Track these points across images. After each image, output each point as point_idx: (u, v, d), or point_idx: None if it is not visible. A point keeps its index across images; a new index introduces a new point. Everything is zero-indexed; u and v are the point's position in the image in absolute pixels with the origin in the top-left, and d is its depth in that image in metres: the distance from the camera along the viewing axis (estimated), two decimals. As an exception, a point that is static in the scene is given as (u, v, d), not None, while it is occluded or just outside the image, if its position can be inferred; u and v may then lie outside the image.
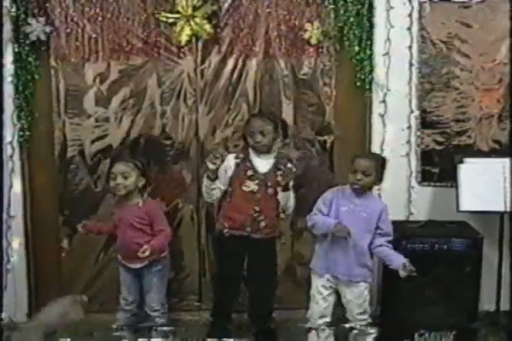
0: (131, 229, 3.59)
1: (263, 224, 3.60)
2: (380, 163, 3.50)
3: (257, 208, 3.57)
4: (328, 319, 3.58)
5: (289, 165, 3.60)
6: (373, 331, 3.55)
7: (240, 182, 3.58)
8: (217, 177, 3.56)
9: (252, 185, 3.58)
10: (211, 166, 3.50)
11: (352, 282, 3.48)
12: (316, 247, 3.58)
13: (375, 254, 3.50)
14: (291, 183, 3.60)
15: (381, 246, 3.45)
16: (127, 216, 3.60)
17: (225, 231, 3.65)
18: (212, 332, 3.80)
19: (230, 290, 3.78)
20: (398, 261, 3.38)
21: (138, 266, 3.62)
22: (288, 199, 3.62)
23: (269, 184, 3.58)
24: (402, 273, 3.34)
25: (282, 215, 3.71)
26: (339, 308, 3.61)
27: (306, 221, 3.54)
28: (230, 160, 3.62)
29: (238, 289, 3.84)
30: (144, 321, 3.73)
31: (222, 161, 3.56)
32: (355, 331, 3.56)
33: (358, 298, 3.51)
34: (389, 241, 3.47)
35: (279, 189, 3.58)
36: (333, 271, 3.49)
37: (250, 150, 3.65)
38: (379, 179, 3.50)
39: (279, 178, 3.53)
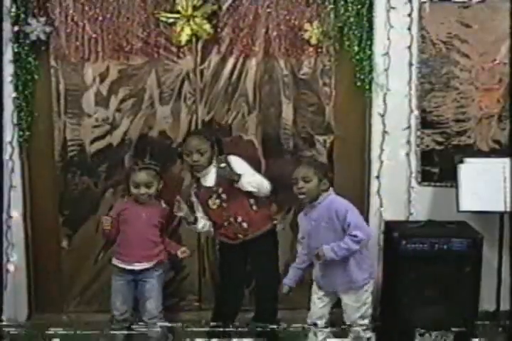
0: (150, 226, 3.67)
1: (245, 224, 3.66)
2: (317, 165, 3.54)
3: (226, 217, 3.65)
4: (325, 320, 3.58)
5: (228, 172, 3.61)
6: (369, 335, 3.54)
7: (205, 204, 3.69)
8: (196, 219, 3.66)
9: (214, 201, 3.66)
10: (181, 214, 3.61)
11: (352, 289, 3.48)
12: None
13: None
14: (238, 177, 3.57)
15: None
16: (150, 214, 3.67)
17: (224, 241, 3.76)
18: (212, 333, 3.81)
19: (234, 297, 3.81)
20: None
21: (141, 267, 3.63)
22: (253, 183, 3.59)
23: (220, 191, 3.64)
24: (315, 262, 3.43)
25: (255, 207, 3.69)
26: (339, 311, 3.63)
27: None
28: (193, 197, 3.73)
29: (242, 296, 3.88)
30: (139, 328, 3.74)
31: (188, 205, 3.66)
32: (350, 335, 3.55)
33: (357, 301, 3.50)
34: (355, 236, 3.36)
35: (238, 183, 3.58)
36: (329, 287, 3.53)
37: (196, 175, 3.70)
38: (324, 184, 3.46)
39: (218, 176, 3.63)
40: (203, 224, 3.71)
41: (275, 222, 3.82)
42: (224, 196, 3.64)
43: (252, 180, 3.60)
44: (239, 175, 3.54)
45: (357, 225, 3.36)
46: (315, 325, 3.57)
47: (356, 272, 3.47)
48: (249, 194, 3.64)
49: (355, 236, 3.33)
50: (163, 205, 3.73)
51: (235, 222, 3.65)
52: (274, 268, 3.79)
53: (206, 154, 3.62)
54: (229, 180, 3.58)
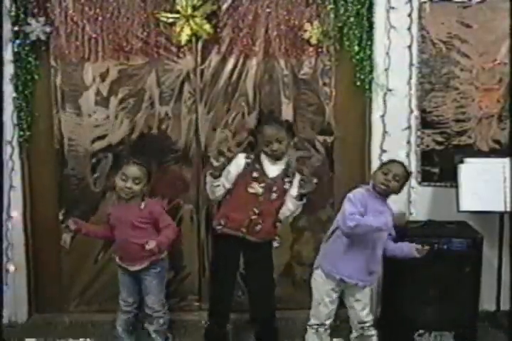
0: (134, 229, 3.55)
1: (259, 227, 3.56)
2: (406, 174, 3.48)
3: (256, 210, 3.53)
4: (332, 319, 3.56)
5: (313, 178, 3.55)
6: (374, 332, 3.55)
7: (246, 183, 3.54)
8: (220, 175, 3.51)
9: (257, 188, 3.53)
10: (215, 163, 3.47)
11: (358, 286, 3.46)
12: (326, 247, 3.52)
13: (389, 255, 3.49)
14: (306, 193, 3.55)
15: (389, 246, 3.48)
16: (129, 216, 3.55)
17: (218, 228, 3.60)
18: (209, 333, 3.79)
19: (225, 287, 3.73)
20: (410, 247, 3.41)
21: (137, 268, 3.59)
22: (297, 209, 3.61)
23: (274, 189, 3.54)
24: (421, 254, 3.38)
25: (278, 224, 3.66)
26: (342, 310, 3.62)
27: (344, 222, 3.34)
28: (240, 159, 3.58)
29: (233, 287, 3.79)
30: (144, 321, 3.72)
31: (228, 159, 3.54)
32: (355, 333, 3.55)
33: (364, 297, 3.51)
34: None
35: (291, 197, 3.56)
36: (342, 273, 3.43)
37: (262, 154, 3.60)
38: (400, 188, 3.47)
39: (298, 188, 3.52)
40: (220, 191, 3.57)
41: (276, 237, 3.73)
42: (274, 195, 3.54)
43: (299, 208, 3.62)
44: (314, 185, 3.51)
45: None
46: (323, 325, 3.54)
47: (377, 271, 3.51)
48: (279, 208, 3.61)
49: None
50: (142, 205, 3.56)
51: (254, 219, 3.53)
52: (268, 272, 3.74)
53: (284, 142, 3.54)
54: (283, 187, 3.54)
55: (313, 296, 3.54)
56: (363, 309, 3.51)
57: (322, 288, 3.49)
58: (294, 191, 3.56)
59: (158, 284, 3.66)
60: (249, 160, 3.57)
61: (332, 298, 3.49)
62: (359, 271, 3.42)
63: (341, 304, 3.59)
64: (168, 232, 3.53)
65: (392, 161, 3.52)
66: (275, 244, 3.73)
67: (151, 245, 3.39)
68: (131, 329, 3.71)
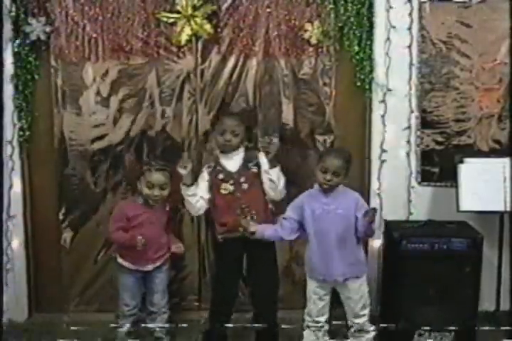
0: (161, 229, 3.70)
1: (255, 218, 3.59)
2: (348, 159, 3.50)
3: (243, 206, 3.59)
4: (326, 316, 3.60)
5: (272, 138, 3.68)
6: (372, 328, 3.56)
7: (217, 187, 3.61)
8: (192, 184, 3.59)
9: (228, 187, 3.60)
10: (182, 172, 3.56)
11: (348, 280, 3.49)
12: (306, 253, 3.60)
13: (363, 235, 3.48)
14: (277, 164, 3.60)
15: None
16: (161, 218, 3.69)
17: (220, 237, 3.67)
18: (209, 334, 3.80)
19: (229, 294, 3.77)
20: (360, 220, 3.38)
21: (154, 266, 3.67)
22: (278, 179, 3.60)
23: (242, 180, 3.60)
24: (367, 218, 3.33)
25: (270, 205, 3.70)
26: (338, 306, 3.63)
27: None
28: (204, 172, 3.67)
29: (236, 293, 3.85)
30: (146, 320, 3.76)
31: (193, 166, 3.62)
32: (353, 329, 3.56)
33: (356, 293, 3.52)
34: None
35: (266, 167, 3.59)
36: (327, 275, 3.49)
37: (219, 154, 3.67)
38: (346, 176, 3.48)
39: (265, 151, 3.64)
40: (199, 203, 3.63)
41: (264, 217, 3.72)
42: (245, 186, 3.59)
43: (280, 175, 3.62)
44: (275, 144, 3.61)
45: None
46: (317, 322, 3.58)
47: (357, 262, 3.51)
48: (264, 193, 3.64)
49: None
50: (168, 206, 3.73)
51: (247, 213, 3.58)
52: (272, 272, 3.77)
53: (239, 136, 3.60)
54: (252, 172, 3.59)
55: (306, 294, 3.64)
56: (356, 303, 3.53)
57: (309, 287, 3.59)
58: (264, 166, 3.60)
59: (167, 281, 3.76)
60: (210, 169, 3.65)
61: (319, 295, 3.55)
62: (335, 267, 3.46)
63: (340, 303, 3.61)
64: (172, 235, 3.79)
65: (327, 154, 3.49)
66: None
67: (182, 248, 3.74)
68: (134, 331, 3.74)
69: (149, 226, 3.63)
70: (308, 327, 3.63)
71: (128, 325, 3.70)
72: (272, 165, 3.59)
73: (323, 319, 3.59)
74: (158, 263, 3.68)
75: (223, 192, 3.60)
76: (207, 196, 3.65)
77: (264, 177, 3.62)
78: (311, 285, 3.59)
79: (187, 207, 3.71)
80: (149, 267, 3.66)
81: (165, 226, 3.73)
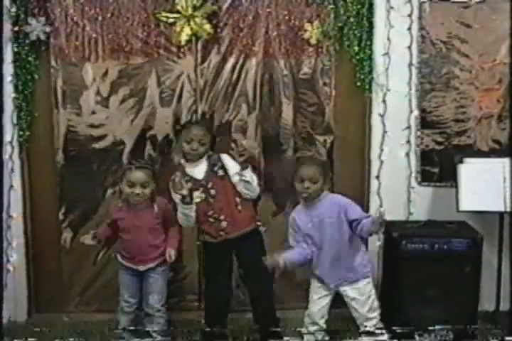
0: (150, 232, 3.61)
1: (224, 223, 3.60)
2: (322, 165, 3.53)
3: (211, 213, 3.60)
4: (324, 320, 3.58)
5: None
6: (383, 332, 3.54)
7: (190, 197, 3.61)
8: (192, 201, 3.56)
9: (198, 195, 3.60)
10: (184, 192, 3.51)
11: (356, 281, 3.49)
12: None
13: (363, 235, 3.44)
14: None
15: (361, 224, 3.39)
16: (146, 222, 3.60)
17: (204, 241, 3.71)
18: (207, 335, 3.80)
19: (220, 294, 3.76)
20: (368, 221, 3.33)
21: (147, 267, 3.63)
22: (252, 177, 3.60)
23: (209, 185, 3.60)
24: (375, 227, 3.28)
25: (240, 207, 3.64)
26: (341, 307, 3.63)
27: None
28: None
29: (228, 293, 3.81)
30: (143, 322, 3.72)
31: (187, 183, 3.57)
32: (364, 338, 3.55)
33: (361, 294, 3.51)
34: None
35: (237, 169, 3.58)
36: (330, 281, 3.50)
37: (183, 163, 3.67)
38: (326, 183, 3.47)
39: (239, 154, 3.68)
40: (191, 212, 3.61)
41: (258, 223, 3.74)
42: (213, 191, 3.60)
43: (252, 174, 3.61)
44: (247, 165, 3.57)
45: (365, 216, 3.42)
46: (316, 324, 3.57)
47: (360, 265, 3.50)
48: (236, 193, 3.62)
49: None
50: (156, 208, 3.62)
51: (217, 220, 3.60)
52: (263, 268, 3.76)
53: (205, 146, 3.60)
54: (219, 176, 3.59)
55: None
56: (362, 306, 3.52)
57: (312, 287, 3.59)
58: (233, 169, 3.60)
59: (163, 283, 3.69)
60: (182, 179, 3.58)
61: (320, 294, 3.54)
62: (335, 272, 3.47)
63: (343, 303, 3.60)
64: (175, 234, 3.69)
65: (300, 164, 3.51)
66: (262, 229, 3.77)
67: (173, 256, 3.60)
68: (133, 330, 3.72)
69: (134, 229, 3.59)
70: (308, 329, 3.60)
71: (125, 322, 3.69)
72: (244, 167, 3.58)
73: (322, 321, 3.57)
74: (151, 265, 3.63)
75: (197, 200, 3.59)
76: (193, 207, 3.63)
77: (235, 178, 3.60)
78: (313, 286, 3.59)
79: (184, 222, 3.66)
80: (143, 268, 3.63)
81: (156, 229, 3.63)
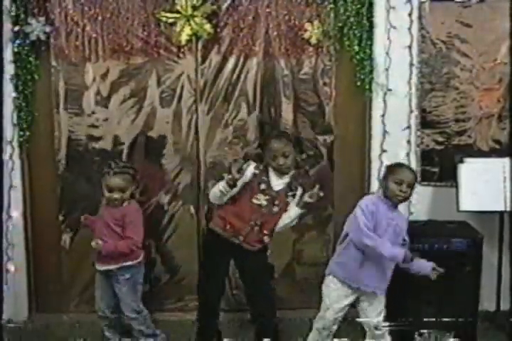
0: (106, 229, 3.57)
1: (257, 237, 3.56)
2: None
3: (258, 222, 3.54)
4: (336, 326, 3.52)
5: (319, 192, 3.52)
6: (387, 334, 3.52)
7: (252, 193, 3.55)
8: (235, 185, 3.48)
9: (262, 199, 3.55)
10: (237, 176, 3.42)
11: (375, 294, 3.44)
12: (340, 254, 3.48)
13: (402, 265, 3.40)
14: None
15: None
16: (107, 216, 3.59)
17: (219, 231, 3.59)
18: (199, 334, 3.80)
19: (213, 290, 3.73)
20: (426, 266, 3.37)
21: (106, 267, 3.59)
22: (295, 218, 3.59)
23: (276, 202, 3.56)
24: (433, 276, 3.37)
25: (279, 228, 3.63)
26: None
27: (361, 238, 3.32)
28: (249, 170, 3.55)
29: (220, 289, 3.77)
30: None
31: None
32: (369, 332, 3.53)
33: (379, 304, 3.48)
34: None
35: (293, 205, 3.56)
36: (359, 281, 3.41)
37: (270, 166, 3.60)
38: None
39: (308, 197, 3.50)
40: (226, 196, 3.53)
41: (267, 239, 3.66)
42: (276, 209, 3.55)
43: (296, 219, 3.61)
44: (320, 197, 3.51)
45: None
46: (327, 329, 3.50)
47: (387, 278, 3.46)
48: None
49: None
50: (125, 204, 3.59)
51: (255, 229, 3.55)
52: (265, 282, 3.72)
53: (291, 156, 3.54)
54: (286, 201, 3.56)
55: (323, 301, 3.49)
56: (378, 315, 3.48)
57: (333, 294, 3.46)
58: (295, 202, 3.57)
59: (129, 291, 3.61)
60: (257, 171, 3.57)
61: (342, 304, 3.45)
62: (377, 279, 3.41)
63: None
64: (122, 244, 3.53)
65: (400, 167, 3.46)
66: (268, 252, 3.73)
67: (98, 245, 3.47)
68: (118, 331, 3.75)
69: (101, 226, 3.59)
70: (318, 331, 3.51)
71: (103, 324, 3.70)
72: (302, 207, 3.54)
73: (335, 327, 3.50)
74: (109, 266, 3.57)
75: (254, 201, 3.54)
76: (233, 193, 3.55)
77: (290, 206, 3.59)
78: (337, 293, 3.45)
79: (213, 196, 3.57)
80: (101, 267, 3.60)
81: (114, 228, 3.57)
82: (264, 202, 3.55)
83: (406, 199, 3.43)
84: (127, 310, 3.63)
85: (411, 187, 3.39)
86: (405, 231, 3.45)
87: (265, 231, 3.57)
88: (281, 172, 3.57)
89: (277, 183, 3.58)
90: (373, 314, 3.48)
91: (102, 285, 3.67)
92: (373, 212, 3.36)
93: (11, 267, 4.00)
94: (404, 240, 3.44)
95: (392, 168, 3.47)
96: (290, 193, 3.59)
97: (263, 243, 3.60)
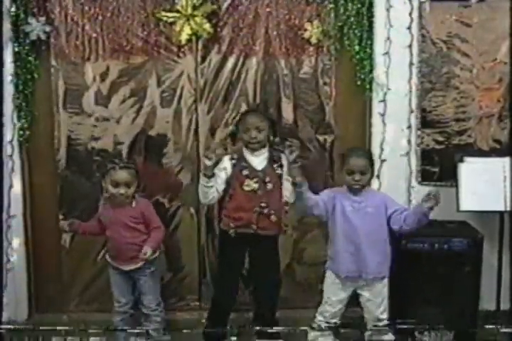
0: (126, 229, 3.59)
1: (273, 217, 3.58)
2: (371, 157, 3.52)
3: (263, 204, 3.56)
4: (337, 319, 3.57)
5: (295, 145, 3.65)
6: (391, 337, 3.52)
7: (240, 182, 3.58)
8: (213, 175, 3.51)
9: (252, 184, 3.58)
10: (208, 162, 3.47)
11: (376, 279, 3.46)
12: (331, 250, 3.55)
13: (410, 225, 3.40)
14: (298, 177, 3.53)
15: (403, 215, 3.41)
16: (121, 217, 3.59)
17: (231, 231, 3.62)
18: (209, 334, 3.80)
19: (230, 289, 3.78)
20: (416, 208, 3.39)
21: (131, 267, 3.61)
22: (297, 176, 3.54)
23: (267, 179, 3.59)
24: (431, 204, 3.31)
25: (286, 207, 3.67)
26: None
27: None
28: (226, 162, 3.60)
29: (237, 289, 3.83)
30: (140, 321, 3.73)
31: (219, 159, 3.52)
32: (369, 332, 3.52)
33: (378, 296, 3.51)
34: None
35: (287, 181, 3.57)
36: (356, 271, 3.45)
37: (244, 149, 3.65)
38: (373, 174, 3.50)
39: (288, 154, 3.55)
40: (214, 194, 3.57)
41: (286, 228, 3.73)
42: (270, 186, 3.57)
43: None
44: (297, 146, 3.62)
45: (405, 208, 3.48)
46: (327, 323, 3.56)
47: (385, 261, 3.49)
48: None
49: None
50: (134, 204, 3.62)
51: (264, 213, 3.56)
52: (275, 271, 3.77)
53: (264, 132, 3.59)
54: (276, 173, 3.59)
55: (323, 295, 3.57)
56: (377, 306, 3.52)
57: (330, 288, 3.54)
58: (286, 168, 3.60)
59: (154, 283, 3.69)
60: (234, 161, 3.61)
61: (339, 297, 3.51)
62: (365, 265, 3.43)
63: (349, 303, 3.60)
64: (157, 235, 3.61)
65: (349, 156, 3.46)
66: (289, 232, 3.83)
67: (148, 253, 3.47)
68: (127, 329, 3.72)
69: (113, 226, 3.60)
70: (319, 326, 3.56)
71: (117, 322, 3.69)
72: (293, 167, 3.54)
73: (335, 320, 3.55)
74: (133, 266, 3.60)
75: (246, 188, 3.57)
76: (222, 187, 3.59)
77: (285, 178, 3.61)
78: (333, 287, 3.53)
79: (200, 195, 3.61)
80: (130, 266, 3.61)
81: (131, 226, 3.60)
82: (255, 186, 3.57)
83: (364, 186, 3.43)
84: (150, 301, 3.67)
85: (364, 173, 3.39)
86: (391, 207, 3.41)
87: (272, 211, 3.58)
88: (253, 148, 3.59)
89: (258, 162, 3.62)
90: (373, 307, 3.51)
91: (122, 283, 3.68)
92: (332, 196, 3.45)
93: (11, 267, 4.01)
94: (395, 212, 3.41)
95: (344, 158, 3.49)
96: (275, 165, 3.62)
97: (278, 224, 3.61)
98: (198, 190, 3.62)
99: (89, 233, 3.77)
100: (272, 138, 3.69)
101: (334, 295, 3.52)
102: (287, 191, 3.62)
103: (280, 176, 3.62)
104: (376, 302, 3.51)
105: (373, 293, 3.50)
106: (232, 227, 3.61)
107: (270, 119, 3.71)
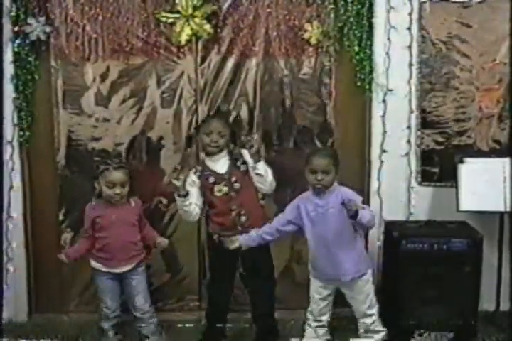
0: (130, 228, 3.62)
1: (245, 217, 3.62)
2: (334, 156, 3.51)
3: (234, 207, 3.61)
4: (328, 315, 3.63)
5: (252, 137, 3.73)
6: (382, 328, 3.59)
7: (210, 189, 3.63)
8: (187, 194, 3.56)
9: (222, 188, 3.62)
10: (177, 183, 3.53)
11: (355, 279, 3.49)
12: (310, 255, 3.61)
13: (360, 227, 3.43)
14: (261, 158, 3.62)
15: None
16: (127, 217, 3.62)
17: (215, 236, 3.68)
18: (207, 334, 3.82)
19: (223, 293, 3.79)
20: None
21: (127, 268, 3.62)
22: (266, 170, 3.61)
23: (233, 180, 3.62)
24: (349, 209, 3.24)
25: (262, 202, 3.74)
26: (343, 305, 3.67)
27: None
28: (192, 176, 3.65)
29: (231, 292, 3.84)
30: (135, 324, 3.74)
31: (186, 176, 3.59)
32: (361, 329, 3.60)
33: (361, 293, 3.53)
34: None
35: (251, 161, 3.59)
36: (332, 275, 3.50)
37: (205, 158, 3.70)
38: (337, 173, 3.46)
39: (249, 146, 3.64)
40: (195, 210, 3.63)
41: (270, 221, 3.70)
42: (237, 185, 3.61)
43: (266, 168, 3.62)
44: (260, 157, 3.58)
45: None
46: (319, 321, 3.63)
47: (360, 259, 3.51)
48: (256, 189, 3.66)
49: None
50: (133, 203, 3.66)
51: (238, 215, 3.62)
52: (268, 271, 3.78)
53: (225, 138, 3.62)
54: (241, 171, 3.62)
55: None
56: (362, 303, 3.55)
57: (313, 286, 3.62)
58: (250, 163, 3.61)
59: (145, 283, 3.72)
60: (198, 173, 3.65)
61: (322, 294, 3.58)
62: (340, 267, 3.46)
63: (343, 304, 3.63)
64: (151, 229, 3.75)
65: (312, 156, 3.47)
66: None
67: (166, 241, 3.67)
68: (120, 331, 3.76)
69: (113, 226, 3.59)
70: (309, 325, 3.66)
71: (108, 327, 3.70)
72: (256, 160, 3.59)
73: (324, 318, 3.63)
74: (132, 264, 3.62)
75: (218, 194, 3.62)
76: (200, 201, 3.66)
77: (251, 173, 3.63)
78: (314, 285, 3.61)
79: (183, 216, 3.71)
80: (122, 269, 3.62)
81: (135, 225, 3.65)
82: (225, 189, 3.62)
83: (327, 186, 3.42)
84: (143, 302, 3.68)
85: (326, 172, 3.39)
86: (346, 200, 3.32)
87: (250, 207, 3.64)
88: (211, 151, 3.63)
89: (220, 166, 3.65)
90: (358, 304, 3.56)
91: (113, 287, 3.68)
92: (296, 206, 3.50)
93: (11, 267, 4.00)
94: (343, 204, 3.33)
95: (307, 158, 3.50)
96: (238, 163, 3.65)
97: (257, 219, 3.64)
98: (179, 212, 3.71)
99: (82, 256, 3.69)
100: (232, 146, 3.71)
101: (317, 293, 3.59)
102: (258, 183, 3.63)
103: (247, 171, 3.64)
104: (359, 299, 3.55)
105: (355, 291, 3.54)
106: (217, 232, 3.67)
107: (232, 128, 3.75)
